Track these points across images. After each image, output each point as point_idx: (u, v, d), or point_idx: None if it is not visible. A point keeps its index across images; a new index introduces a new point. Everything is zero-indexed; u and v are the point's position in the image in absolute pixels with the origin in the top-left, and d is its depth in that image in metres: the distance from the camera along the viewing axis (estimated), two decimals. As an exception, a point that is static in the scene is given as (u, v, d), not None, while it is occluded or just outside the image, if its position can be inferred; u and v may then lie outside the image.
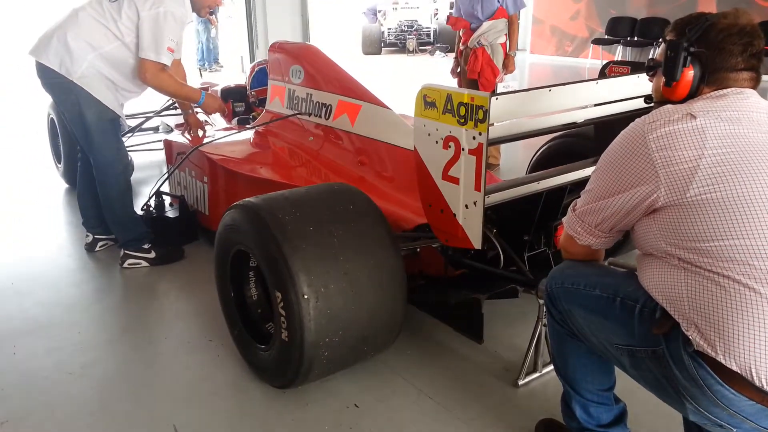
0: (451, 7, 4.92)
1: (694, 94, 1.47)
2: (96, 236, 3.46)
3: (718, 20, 1.45)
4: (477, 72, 4.78)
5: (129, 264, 3.28)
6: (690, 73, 1.45)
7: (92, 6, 2.98)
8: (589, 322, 1.59)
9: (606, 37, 11.31)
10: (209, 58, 12.03)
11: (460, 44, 4.94)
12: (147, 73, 3.02)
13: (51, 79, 2.98)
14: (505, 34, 4.79)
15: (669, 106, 1.46)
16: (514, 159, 5.05)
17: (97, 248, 3.47)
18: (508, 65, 4.83)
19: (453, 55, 5.26)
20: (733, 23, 1.44)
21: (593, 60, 11.47)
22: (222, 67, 11.81)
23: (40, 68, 3.00)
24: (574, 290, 1.61)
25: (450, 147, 2.00)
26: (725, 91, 1.44)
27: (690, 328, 1.33)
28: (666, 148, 1.37)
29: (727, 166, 1.33)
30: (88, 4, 2.99)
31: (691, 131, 1.37)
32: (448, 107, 1.97)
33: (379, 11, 15.76)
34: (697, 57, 1.45)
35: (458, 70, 5.04)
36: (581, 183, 2.60)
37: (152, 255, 3.30)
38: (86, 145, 3.13)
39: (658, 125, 1.40)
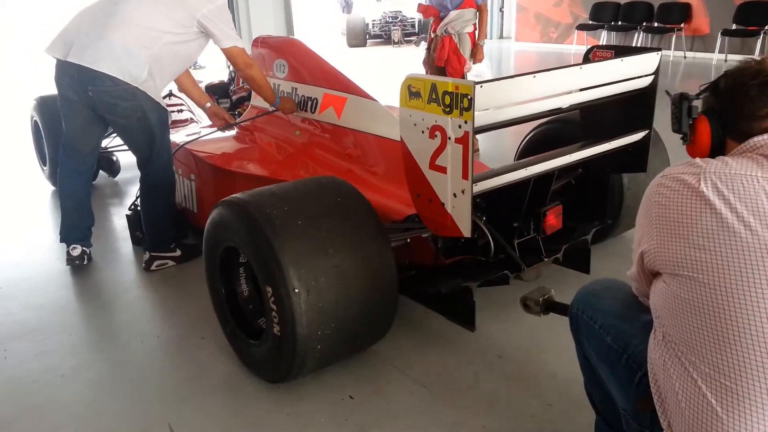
0: None
1: (718, 149, 1.28)
2: (84, 248, 3.28)
3: (732, 69, 1.27)
4: (444, 60, 4.88)
5: (157, 266, 3.23)
6: (705, 126, 1.28)
7: (134, 3, 2.87)
8: (598, 367, 1.46)
9: (590, 22, 11.34)
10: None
11: (431, 32, 5.02)
12: (238, 59, 3.08)
13: (109, 87, 2.83)
14: (474, 24, 4.85)
15: (696, 159, 1.23)
16: (503, 146, 5.06)
17: (86, 261, 3.29)
18: (476, 54, 4.90)
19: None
20: (747, 66, 1.25)
21: (578, 45, 11.51)
22: (203, 67, 11.67)
23: (92, 76, 2.82)
24: (590, 326, 1.46)
25: (436, 136, 1.99)
26: (745, 146, 1.21)
27: (664, 422, 1.19)
28: (662, 205, 1.19)
29: (711, 256, 1.10)
30: (126, 2, 2.88)
31: (689, 197, 1.15)
32: (433, 96, 1.96)
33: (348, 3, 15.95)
34: (710, 108, 1.30)
35: (428, 59, 5.11)
36: (569, 168, 2.62)
37: (178, 253, 3.28)
38: (147, 149, 3.05)
39: (665, 175, 1.23)
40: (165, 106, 3.07)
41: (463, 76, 4.83)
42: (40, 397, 2.26)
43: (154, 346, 2.58)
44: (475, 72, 4.90)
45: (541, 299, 2.06)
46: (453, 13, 4.76)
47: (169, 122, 3.21)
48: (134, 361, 2.47)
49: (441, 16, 4.84)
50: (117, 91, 2.86)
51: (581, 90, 2.32)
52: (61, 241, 3.26)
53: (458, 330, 2.41)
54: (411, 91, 2.04)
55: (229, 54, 3.07)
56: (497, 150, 5.02)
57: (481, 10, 4.84)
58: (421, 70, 5.15)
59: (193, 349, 2.51)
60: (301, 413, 2.09)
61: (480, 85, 1.85)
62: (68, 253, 3.24)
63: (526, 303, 2.10)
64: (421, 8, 5.04)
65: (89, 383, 2.34)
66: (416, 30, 15.05)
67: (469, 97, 1.84)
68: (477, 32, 4.88)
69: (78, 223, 3.25)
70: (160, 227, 3.22)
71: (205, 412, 2.14)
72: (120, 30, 2.84)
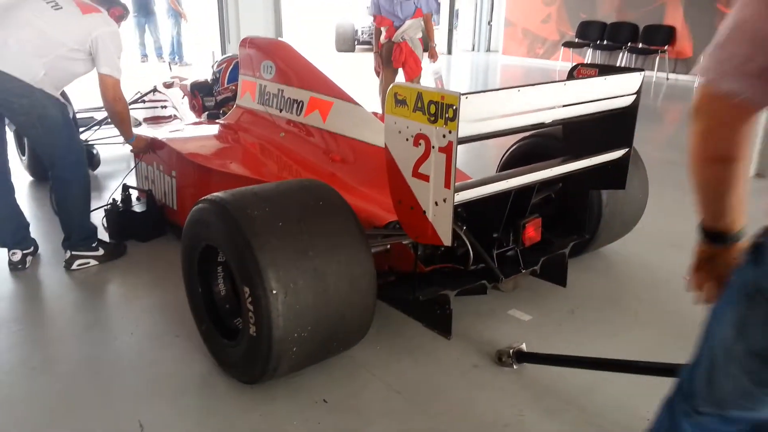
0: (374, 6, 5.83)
1: None
2: (24, 251, 3.18)
3: None
4: (401, 62, 5.70)
5: (78, 265, 3.16)
6: None
7: (33, 10, 2.88)
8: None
9: (576, 40, 11.50)
10: (179, 52, 11.88)
11: (382, 38, 5.74)
12: (110, 90, 3.05)
13: (5, 84, 2.82)
14: (422, 31, 5.70)
15: None
16: (485, 158, 5.09)
17: (28, 265, 3.20)
18: (432, 55, 5.77)
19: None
20: None
21: (564, 62, 11.65)
22: (190, 64, 11.62)
23: None
24: None
25: (420, 144, 2.01)
26: None
27: None
28: None
29: None
30: (28, 6, 2.89)
31: None
32: (419, 105, 1.98)
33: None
34: None
35: (380, 63, 5.81)
36: (549, 182, 2.66)
37: (101, 252, 3.22)
38: (53, 147, 3.00)
39: None
40: (64, 102, 3.05)
41: (419, 75, 5.81)
42: (11, 388, 2.23)
43: (127, 342, 2.55)
44: (433, 69, 5.61)
45: (511, 351, 2.30)
46: (408, 23, 5.57)
47: (73, 117, 3.20)
48: (106, 356, 2.45)
49: (395, 25, 5.62)
50: (12, 89, 2.84)
51: (564, 106, 2.35)
52: (1, 246, 3.17)
53: (434, 337, 2.43)
54: (397, 98, 2.06)
55: (104, 82, 3.04)
56: (480, 161, 5.06)
57: (426, 18, 5.68)
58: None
59: (166, 347, 2.49)
60: (274, 414, 2.09)
61: (465, 96, 1.88)
62: (9, 258, 3.16)
63: (500, 357, 2.34)
64: (378, 19, 5.76)
65: (60, 377, 2.31)
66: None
67: (455, 107, 1.86)
68: (426, 37, 5.76)
69: (9, 227, 3.16)
70: (77, 224, 3.16)
71: (176, 409, 2.12)
72: (20, 33, 2.85)
